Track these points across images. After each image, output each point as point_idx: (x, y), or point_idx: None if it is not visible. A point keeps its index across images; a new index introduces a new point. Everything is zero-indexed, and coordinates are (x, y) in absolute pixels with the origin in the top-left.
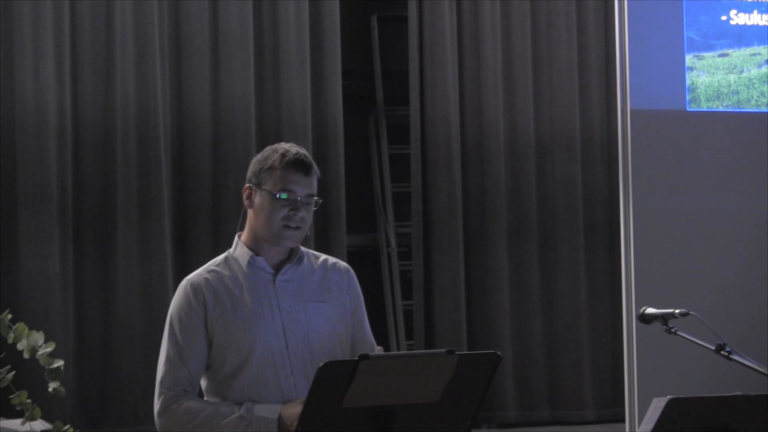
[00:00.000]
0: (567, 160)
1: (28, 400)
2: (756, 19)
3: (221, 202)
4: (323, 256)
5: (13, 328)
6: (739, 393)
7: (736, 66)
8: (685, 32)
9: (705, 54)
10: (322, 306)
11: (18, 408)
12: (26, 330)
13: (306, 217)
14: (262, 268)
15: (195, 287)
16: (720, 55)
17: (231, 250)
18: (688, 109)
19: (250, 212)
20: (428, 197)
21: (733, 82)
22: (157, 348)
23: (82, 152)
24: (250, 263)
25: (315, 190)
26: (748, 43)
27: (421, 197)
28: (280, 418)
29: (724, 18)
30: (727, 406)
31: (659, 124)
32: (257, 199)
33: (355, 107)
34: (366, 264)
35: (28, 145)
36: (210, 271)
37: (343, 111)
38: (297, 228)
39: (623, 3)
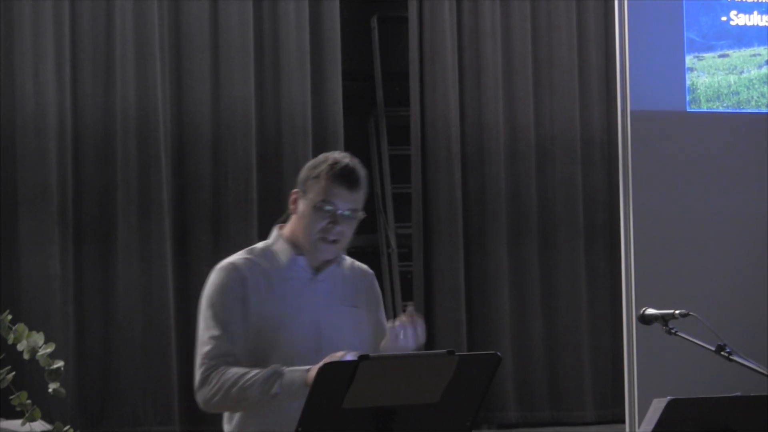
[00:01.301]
0: (567, 161)
1: (28, 401)
2: (756, 19)
3: (221, 202)
4: (348, 259)
5: (13, 328)
6: (739, 393)
7: (736, 67)
8: (685, 33)
9: (705, 55)
10: (354, 311)
11: (18, 409)
12: (26, 331)
13: (346, 231)
14: (302, 266)
15: (237, 269)
16: (720, 56)
17: (269, 241)
18: (688, 110)
19: (294, 216)
20: (428, 198)
21: (733, 82)
22: (157, 348)
23: (82, 153)
24: (290, 260)
25: (360, 205)
26: (748, 44)
27: (421, 198)
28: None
29: (724, 19)
30: (727, 407)
31: (659, 125)
32: (301, 206)
33: (355, 108)
34: (366, 265)
35: (28, 145)
36: (250, 258)
37: (343, 111)
38: (334, 242)
39: (623, 3)
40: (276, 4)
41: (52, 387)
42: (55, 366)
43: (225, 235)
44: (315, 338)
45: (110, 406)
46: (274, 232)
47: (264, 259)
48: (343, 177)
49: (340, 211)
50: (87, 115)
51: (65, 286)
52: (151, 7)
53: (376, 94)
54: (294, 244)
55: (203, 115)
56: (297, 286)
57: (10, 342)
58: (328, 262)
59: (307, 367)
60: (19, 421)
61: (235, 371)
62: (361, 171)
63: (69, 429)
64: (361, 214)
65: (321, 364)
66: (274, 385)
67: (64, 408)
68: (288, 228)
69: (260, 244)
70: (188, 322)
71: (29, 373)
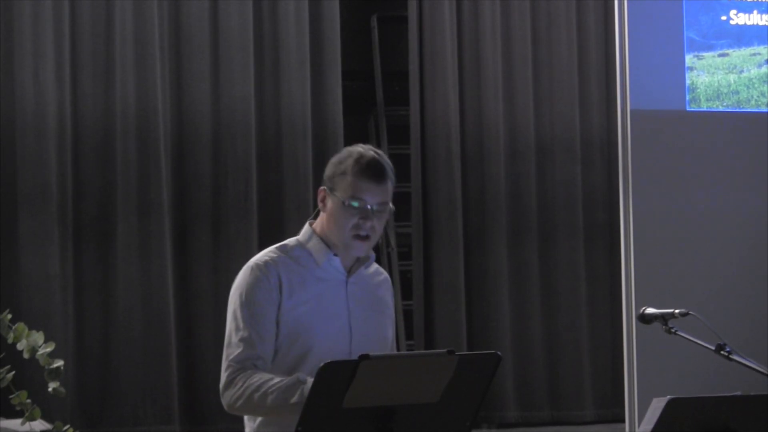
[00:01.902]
0: (567, 161)
1: (28, 400)
2: (756, 19)
3: (221, 202)
4: (375, 266)
5: (13, 328)
6: (739, 393)
7: (736, 66)
8: (685, 32)
9: (705, 54)
10: (381, 317)
11: (18, 408)
12: (26, 330)
13: (377, 226)
14: (337, 268)
15: (270, 267)
16: (720, 55)
17: (301, 238)
18: (688, 109)
19: (323, 214)
20: (428, 197)
21: (733, 82)
22: (157, 348)
23: (82, 153)
24: (326, 260)
25: (389, 198)
26: (748, 43)
27: (421, 197)
28: None
29: (724, 18)
30: (727, 406)
31: (659, 125)
32: (329, 203)
33: (355, 107)
34: None
35: (28, 145)
36: (283, 257)
37: (343, 111)
38: (366, 237)
39: (623, 3)
40: (276, 4)
41: (51, 386)
42: (54, 365)
43: (225, 235)
44: (346, 341)
45: (110, 406)
46: (306, 229)
47: (298, 257)
48: (370, 171)
49: (369, 206)
50: (87, 115)
51: (65, 286)
52: (151, 7)
53: (376, 94)
54: (327, 243)
55: (203, 115)
56: (331, 286)
57: (9, 341)
58: (358, 263)
59: None
60: (19, 421)
61: (260, 376)
62: (387, 163)
63: (69, 428)
64: (391, 207)
65: None
66: (295, 394)
67: (64, 407)
68: (319, 225)
69: (292, 241)
70: (188, 322)
71: (29, 373)
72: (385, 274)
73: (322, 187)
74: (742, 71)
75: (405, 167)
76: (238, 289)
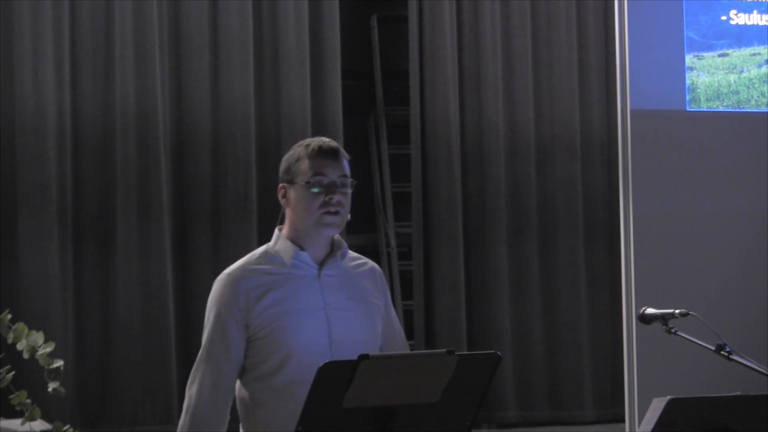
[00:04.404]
0: (567, 160)
1: (28, 400)
2: (756, 19)
3: (221, 202)
4: (352, 253)
5: (13, 328)
6: (739, 393)
7: (736, 66)
8: (685, 32)
9: (705, 54)
10: (363, 307)
11: (18, 408)
12: (26, 330)
13: (343, 200)
14: (307, 262)
15: (236, 281)
16: (720, 55)
17: (271, 243)
18: (688, 109)
19: (288, 210)
20: (428, 197)
21: (733, 82)
22: (156, 348)
23: (82, 152)
24: (294, 258)
25: (348, 172)
26: (748, 43)
27: (421, 197)
28: None
29: (724, 18)
30: (727, 406)
31: (659, 124)
32: (292, 194)
33: (355, 107)
34: None
35: (28, 145)
36: (250, 265)
37: (343, 111)
38: (336, 213)
39: (623, 3)
40: (276, 4)
41: (51, 386)
42: (54, 365)
43: (224, 235)
44: (325, 334)
45: (110, 405)
46: (275, 233)
47: (267, 262)
48: (324, 150)
49: (332, 180)
50: (86, 114)
51: (65, 286)
52: (151, 7)
53: (375, 94)
54: (295, 241)
55: (203, 115)
56: (304, 282)
57: (9, 341)
58: (331, 254)
59: None
60: (18, 421)
61: None
62: (336, 143)
63: (68, 428)
64: (352, 182)
65: None
66: None
67: (64, 407)
68: (286, 226)
69: (261, 248)
70: (188, 321)
71: (29, 373)
72: (370, 263)
73: (280, 185)
74: (742, 71)
75: (405, 167)
76: (208, 303)
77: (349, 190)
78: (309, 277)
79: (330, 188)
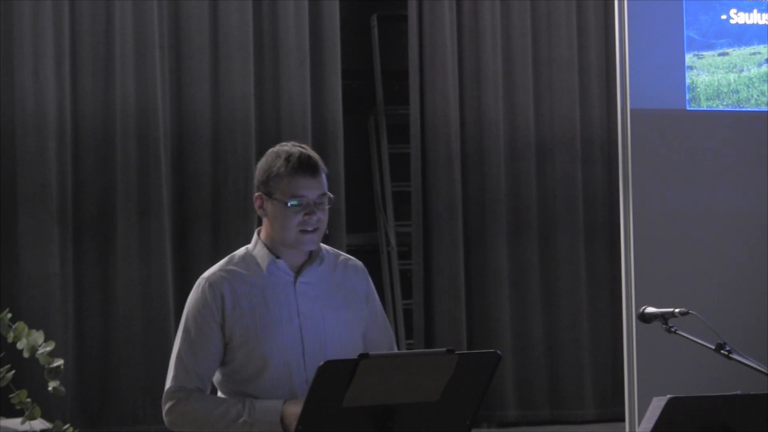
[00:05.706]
0: (567, 160)
1: (28, 399)
2: (756, 18)
3: (221, 202)
4: (341, 255)
5: (13, 327)
6: (738, 392)
7: (736, 65)
8: (685, 31)
9: (705, 53)
10: (340, 312)
11: (18, 407)
12: (26, 329)
13: (322, 217)
14: (283, 270)
15: (213, 286)
16: (720, 54)
17: (250, 246)
18: (688, 109)
19: (265, 220)
20: (428, 196)
21: (733, 81)
22: (156, 347)
23: (82, 152)
24: (270, 265)
25: (326, 188)
26: (748, 42)
27: (421, 196)
28: (282, 418)
29: (724, 17)
30: (727, 406)
31: (659, 124)
32: (269, 207)
33: (355, 107)
34: (366, 263)
35: (28, 145)
36: (229, 269)
37: (343, 110)
38: (315, 230)
39: (623, 3)
40: (276, 3)
41: (51, 385)
42: (54, 364)
43: (224, 234)
44: (298, 344)
45: (110, 405)
46: (254, 237)
47: (244, 266)
48: (303, 167)
49: (312, 200)
50: (87, 114)
51: (65, 285)
52: (151, 6)
53: (375, 93)
54: (272, 248)
55: (203, 115)
56: (279, 291)
57: (9, 340)
58: (308, 262)
59: (278, 406)
60: (18, 420)
61: (203, 408)
62: (316, 155)
63: (68, 427)
64: (330, 196)
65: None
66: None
67: (64, 406)
68: (263, 232)
69: (241, 251)
70: None
71: (29, 372)
72: (353, 260)
73: (257, 194)
74: (742, 70)
75: (405, 166)
76: (185, 307)
77: (327, 206)
78: (285, 284)
79: (309, 209)
